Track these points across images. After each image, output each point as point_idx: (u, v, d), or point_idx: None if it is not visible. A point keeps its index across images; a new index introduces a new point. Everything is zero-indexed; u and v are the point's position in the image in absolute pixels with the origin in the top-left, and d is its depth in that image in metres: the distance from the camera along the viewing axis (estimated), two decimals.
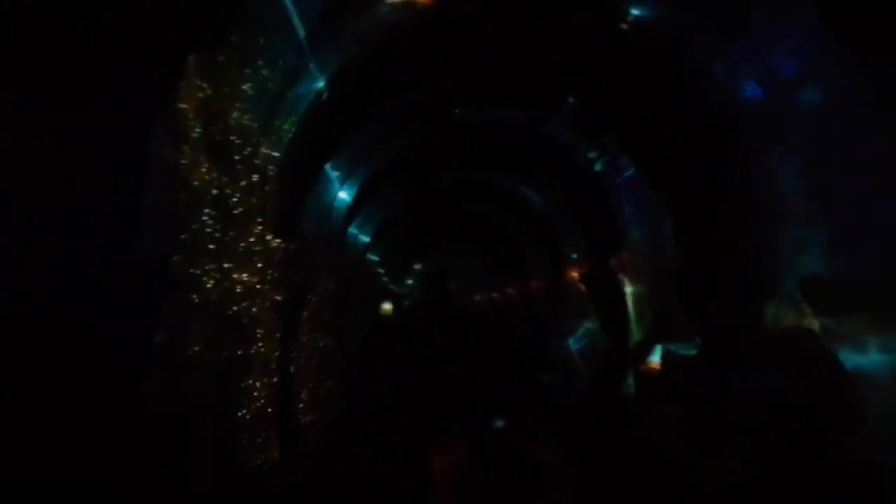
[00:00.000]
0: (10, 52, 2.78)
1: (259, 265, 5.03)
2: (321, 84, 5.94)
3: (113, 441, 3.00)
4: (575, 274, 11.71)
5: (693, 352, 5.14)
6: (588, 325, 7.58)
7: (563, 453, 3.79)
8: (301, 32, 5.19)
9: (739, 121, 5.96)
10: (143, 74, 3.34)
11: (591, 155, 9.22)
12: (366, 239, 11.86)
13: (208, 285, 4.26)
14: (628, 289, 8.93)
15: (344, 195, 8.61)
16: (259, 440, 4.94)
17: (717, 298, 6.15)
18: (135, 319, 3.22)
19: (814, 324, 3.97)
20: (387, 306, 10.19)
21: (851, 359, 3.87)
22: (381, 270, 15.33)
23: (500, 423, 3.81)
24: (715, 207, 6.61)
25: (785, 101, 5.44)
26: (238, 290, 4.66)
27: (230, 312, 4.56)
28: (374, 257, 13.95)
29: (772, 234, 5.78)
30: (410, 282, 20.26)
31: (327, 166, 7.33)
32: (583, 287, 11.33)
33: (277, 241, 5.44)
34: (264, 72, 5.21)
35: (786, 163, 5.66)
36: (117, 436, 3.03)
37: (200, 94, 4.47)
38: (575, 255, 11.91)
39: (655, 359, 6.35)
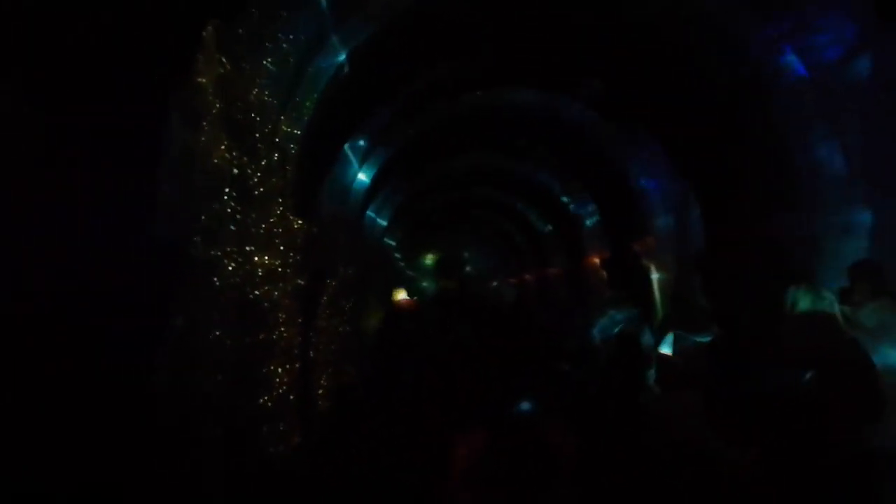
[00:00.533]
0: (11, 52, 2.69)
1: (281, 248, 4.86)
2: (342, 58, 5.68)
3: (117, 440, 2.93)
4: (596, 260, 11.50)
5: (708, 339, 5.00)
6: (612, 312, 7.37)
7: (579, 441, 3.62)
8: (323, 2, 4.98)
9: (776, 102, 5.73)
10: (148, 68, 3.22)
11: (613, 138, 8.99)
12: (383, 223, 11.67)
13: (230, 268, 4.09)
14: (654, 276, 8.75)
15: (363, 177, 8.39)
16: (280, 427, 4.80)
17: (741, 286, 5.98)
18: (138, 318, 3.14)
19: (836, 311, 3.77)
20: (402, 294, 10.01)
21: (875, 349, 3.65)
22: (398, 255, 15.21)
23: (526, 406, 3.61)
24: (743, 193, 6.41)
25: (826, 81, 5.20)
26: (260, 273, 4.49)
27: (252, 297, 4.39)
28: (391, 242, 13.80)
29: (803, 220, 5.60)
30: (428, 263, 20.12)
31: (346, 145, 7.12)
32: (604, 274, 11.14)
33: (300, 222, 5.27)
34: (285, 45, 5.00)
35: (821, 146, 5.45)
36: (122, 435, 2.96)
37: (221, 70, 4.28)
38: (595, 241, 11.71)
39: (668, 347, 6.19)
